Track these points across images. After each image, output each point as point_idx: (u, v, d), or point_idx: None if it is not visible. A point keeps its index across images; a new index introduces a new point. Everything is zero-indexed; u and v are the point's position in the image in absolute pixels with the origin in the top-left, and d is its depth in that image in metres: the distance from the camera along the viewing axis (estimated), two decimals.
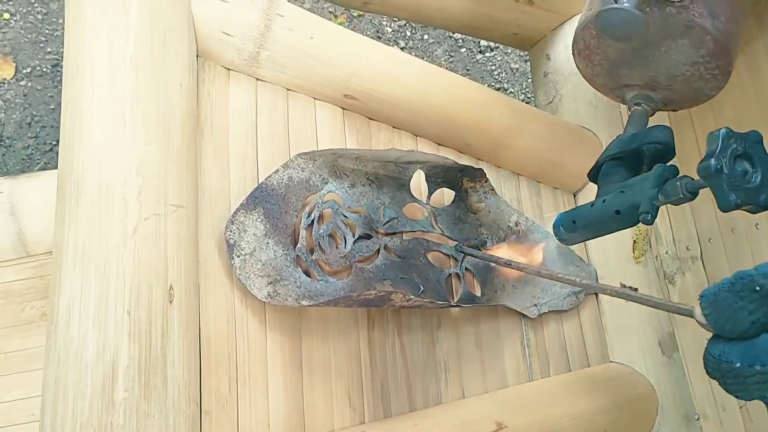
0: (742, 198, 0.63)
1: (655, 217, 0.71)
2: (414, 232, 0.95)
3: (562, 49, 1.27)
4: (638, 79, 0.85)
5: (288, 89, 0.91)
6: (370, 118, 0.99)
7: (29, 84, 1.86)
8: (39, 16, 1.93)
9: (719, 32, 0.77)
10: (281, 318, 0.80)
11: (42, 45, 1.91)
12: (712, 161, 0.63)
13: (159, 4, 0.75)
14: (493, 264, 0.99)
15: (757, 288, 0.48)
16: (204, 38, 0.82)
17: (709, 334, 0.55)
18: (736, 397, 0.52)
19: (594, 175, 0.86)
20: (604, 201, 0.78)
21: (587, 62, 0.89)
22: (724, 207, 0.63)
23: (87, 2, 0.72)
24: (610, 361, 1.13)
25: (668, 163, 0.73)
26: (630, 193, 0.75)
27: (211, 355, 0.73)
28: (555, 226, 0.86)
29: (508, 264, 0.90)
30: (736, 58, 0.81)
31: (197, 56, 0.83)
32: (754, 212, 0.65)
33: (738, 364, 0.50)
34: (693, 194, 0.69)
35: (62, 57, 1.90)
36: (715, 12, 0.77)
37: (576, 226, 0.83)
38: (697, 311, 0.54)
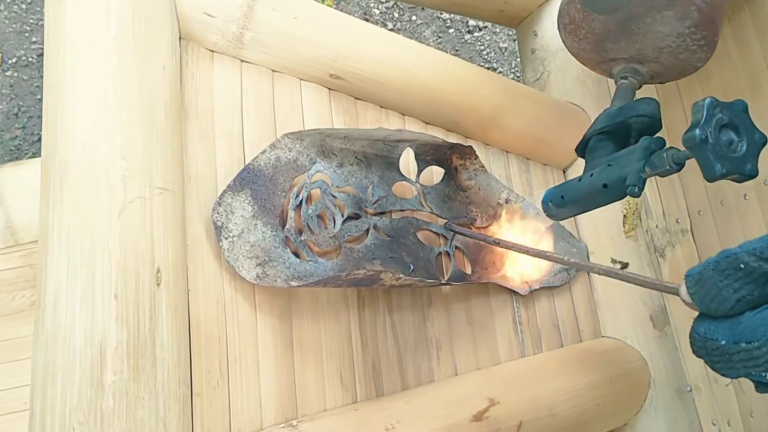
0: (727, 167, 0.63)
1: (642, 189, 0.71)
2: (403, 211, 0.95)
3: (549, 26, 1.27)
4: (624, 53, 0.85)
5: (273, 70, 0.90)
6: (356, 98, 0.99)
7: (15, 74, 1.85)
8: (23, 6, 1.91)
9: (704, 2, 0.77)
10: (271, 299, 0.80)
11: (27, 35, 1.89)
12: (697, 131, 0.63)
13: None
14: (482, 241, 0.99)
15: (742, 266, 0.48)
16: (186, 20, 0.82)
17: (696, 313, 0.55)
18: (722, 375, 0.53)
19: (581, 149, 0.85)
20: (591, 175, 0.78)
21: (573, 37, 0.88)
22: (710, 177, 0.63)
23: None
24: (603, 336, 1.13)
25: (655, 136, 0.74)
26: (617, 166, 0.75)
27: (200, 337, 0.73)
28: (544, 202, 0.86)
29: (497, 243, 0.90)
30: (721, 28, 0.81)
31: (180, 38, 0.82)
32: (740, 181, 0.65)
33: (723, 342, 0.50)
34: (679, 165, 0.69)
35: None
36: None
37: (565, 201, 0.83)
38: (683, 290, 0.54)
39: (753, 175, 0.65)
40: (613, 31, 0.83)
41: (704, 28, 0.79)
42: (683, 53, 0.82)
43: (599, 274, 0.74)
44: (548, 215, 0.86)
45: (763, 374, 0.49)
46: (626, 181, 0.71)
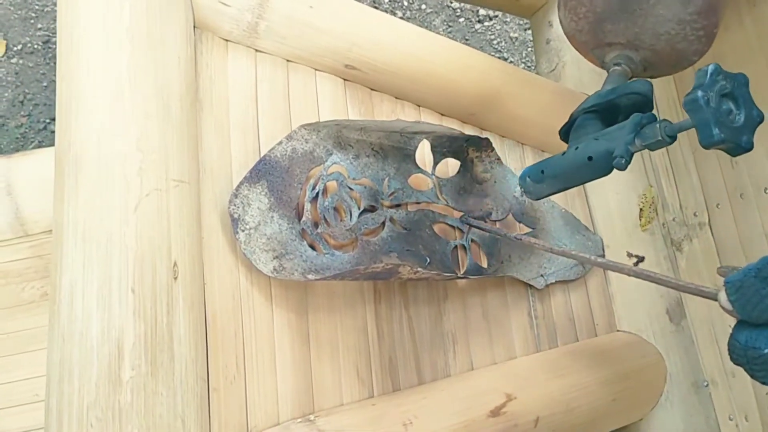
0: (725, 134, 0.62)
1: (629, 162, 0.69)
2: (419, 203, 0.94)
3: None
4: (622, 36, 0.82)
5: (288, 60, 0.89)
6: (372, 89, 0.97)
7: (20, 62, 1.83)
8: None
9: None
10: (287, 293, 0.79)
11: (32, 21, 1.87)
12: (700, 92, 0.62)
13: None
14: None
15: None
16: (201, 9, 0.80)
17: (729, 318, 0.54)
18: (764, 384, 0.52)
19: (566, 131, 0.83)
20: (576, 149, 0.76)
21: (573, 15, 0.85)
22: (707, 141, 0.62)
23: None
24: (618, 330, 1.12)
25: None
26: (604, 140, 0.73)
27: (217, 331, 0.72)
28: (521, 178, 0.83)
29: (519, 239, 0.88)
30: (721, 22, 0.79)
31: (194, 28, 0.81)
32: (733, 153, 0.64)
33: (766, 351, 0.49)
34: (671, 138, 0.67)
35: (53, 33, 1.87)
36: None
37: (544, 177, 0.80)
38: (722, 296, 0.53)
39: (748, 148, 0.64)
40: (615, 10, 0.80)
41: (706, 16, 0.77)
42: (681, 42, 0.80)
43: (628, 275, 0.71)
44: (525, 192, 0.84)
45: None
46: (613, 153, 0.70)
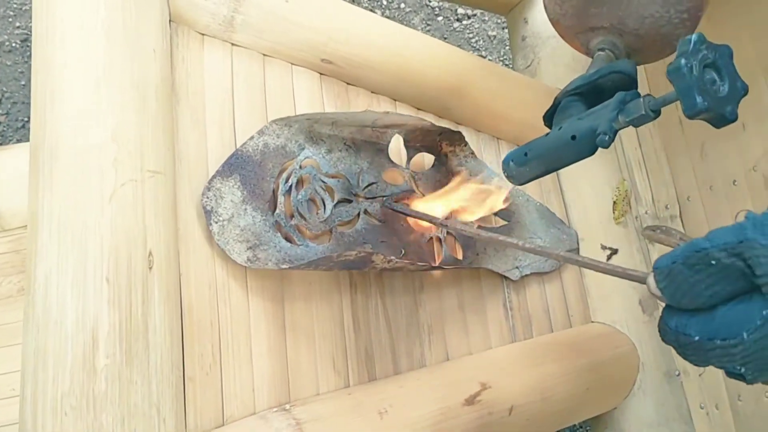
0: (709, 103, 0.61)
1: (613, 139, 0.69)
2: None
3: (539, 13, 1.27)
4: (606, 20, 0.82)
5: (264, 54, 0.90)
6: (348, 83, 0.98)
7: None
8: None
9: None
10: (263, 283, 0.80)
11: (10, 20, 1.87)
12: (683, 60, 0.62)
13: None
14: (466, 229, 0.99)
15: (713, 262, 0.46)
16: (176, 3, 0.81)
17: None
18: (694, 365, 0.51)
19: (550, 115, 0.82)
20: (560, 129, 0.75)
21: None
22: (690, 111, 0.62)
23: None
24: (592, 322, 1.14)
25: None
26: (588, 119, 0.72)
27: (193, 321, 0.73)
28: (504, 162, 0.82)
29: (478, 234, 0.84)
30: (706, 5, 0.80)
31: (170, 21, 0.81)
32: (717, 125, 0.64)
33: (697, 338, 0.48)
34: (655, 113, 0.67)
35: (31, 31, 1.86)
36: None
37: (528, 159, 0.79)
38: (651, 282, 0.52)
39: (732, 119, 0.63)
40: None
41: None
42: (665, 26, 0.80)
43: (559, 260, 0.71)
44: (507, 176, 0.82)
45: (738, 368, 0.48)
46: (597, 131, 0.69)
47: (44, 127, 0.67)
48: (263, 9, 0.86)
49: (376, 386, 0.84)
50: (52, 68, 0.69)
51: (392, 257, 0.81)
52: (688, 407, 1.08)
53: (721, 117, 0.63)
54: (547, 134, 0.77)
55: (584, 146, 0.72)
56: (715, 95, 0.63)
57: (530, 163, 0.79)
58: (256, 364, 0.77)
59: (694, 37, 0.63)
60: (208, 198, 0.76)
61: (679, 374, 1.10)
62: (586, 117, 0.72)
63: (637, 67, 0.77)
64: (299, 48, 0.90)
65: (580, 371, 1.01)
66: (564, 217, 1.17)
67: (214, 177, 0.77)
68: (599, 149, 0.71)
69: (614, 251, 1.13)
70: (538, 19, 1.27)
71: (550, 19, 0.89)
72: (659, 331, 0.53)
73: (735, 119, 0.64)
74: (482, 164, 1.03)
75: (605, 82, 0.77)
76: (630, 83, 0.76)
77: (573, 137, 0.72)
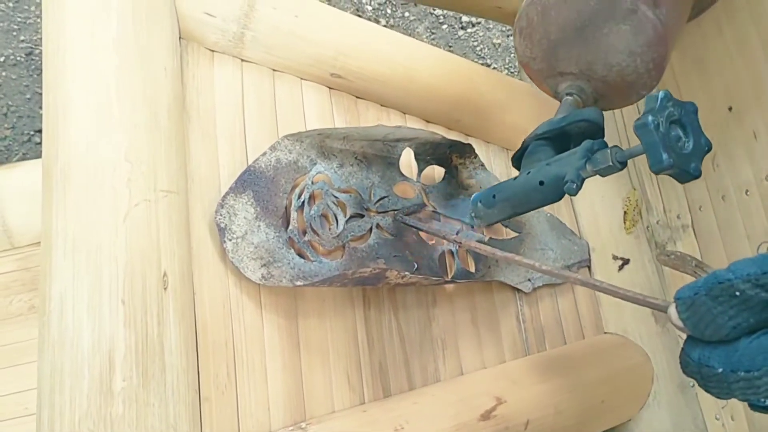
0: (674, 159, 0.63)
1: (580, 188, 0.71)
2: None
3: None
4: (574, 66, 0.83)
5: (274, 70, 0.90)
6: (357, 97, 0.98)
7: (3, 73, 1.82)
8: (10, 4, 1.88)
9: (660, 22, 0.76)
10: (277, 300, 0.80)
11: (15, 33, 1.86)
12: (650, 117, 0.63)
13: None
14: (485, 239, 0.99)
15: (737, 293, 0.46)
16: (186, 19, 0.81)
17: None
18: (717, 398, 0.51)
19: (518, 158, 0.84)
20: (528, 173, 0.77)
21: (527, 42, 0.86)
22: (657, 167, 0.63)
23: None
24: (605, 333, 1.13)
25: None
26: (556, 165, 0.74)
27: (207, 340, 0.72)
28: (473, 203, 0.85)
29: (494, 254, 0.82)
30: (670, 55, 0.80)
31: (180, 38, 0.81)
32: (681, 180, 0.66)
33: (720, 370, 0.48)
34: (622, 164, 0.69)
35: (36, 45, 1.86)
36: (659, 1, 0.76)
37: (495, 201, 0.81)
38: (673, 312, 0.51)
39: (696, 175, 0.65)
40: (569, 38, 0.81)
41: (656, 47, 0.77)
42: (631, 75, 0.80)
43: (577, 284, 0.72)
44: (475, 217, 0.85)
45: (763, 400, 0.47)
46: (564, 178, 0.71)
47: (56, 146, 0.67)
48: (272, 25, 0.86)
49: (391, 402, 0.83)
50: (63, 86, 0.69)
51: (406, 272, 0.80)
52: (703, 419, 1.08)
53: (685, 173, 0.65)
54: (516, 178, 0.79)
55: (551, 192, 0.75)
56: (680, 152, 0.65)
57: (498, 205, 0.81)
58: (271, 382, 0.76)
59: (661, 94, 0.64)
60: (221, 215, 0.76)
61: (693, 385, 1.09)
62: (554, 163, 0.74)
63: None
64: (308, 63, 0.90)
65: (594, 383, 1.00)
66: (575, 228, 1.16)
67: (227, 194, 0.77)
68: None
69: (626, 261, 1.13)
70: None
71: (520, 62, 0.89)
72: (681, 363, 0.53)
73: (698, 175, 0.66)
74: (492, 176, 1.03)
75: (573, 129, 0.78)
76: (596, 131, 0.77)
77: (541, 183, 0.75)
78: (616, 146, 0.70)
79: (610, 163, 0.68)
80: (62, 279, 0.63)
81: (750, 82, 0.96)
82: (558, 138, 0.80)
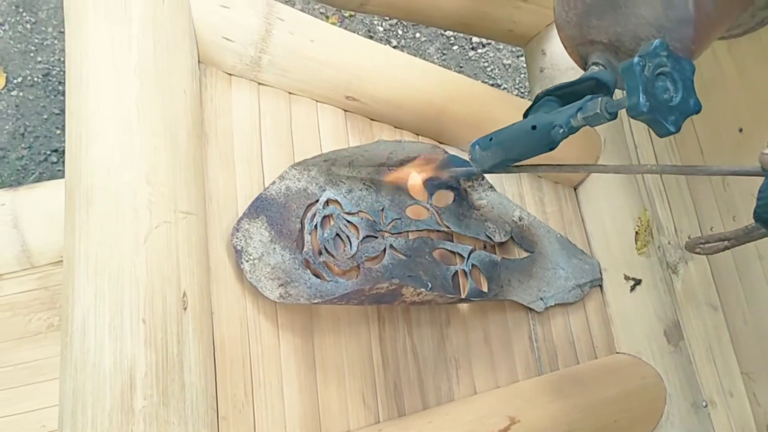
0: (652, 104, 0.62)
1: (568, 133, 0.71)
2: (420, 231, 0.95)
3: (557, 44, 1.28)
4: (604, 35, 0.82)
5: (290, 93, 0.91)
6: (372, 119, 0.99)
7: (21, 94, 1.85)
8: (28, 26, 1.92)
9: (694, 2, 0.74)
10: (293, 319, 0.81)
11: (32, 54, 1.90)
12: (637, 58, 0.62)
13: (160, 12, 0.76)
14: (498, 259, 1.00)
15: None
16: (205, 44, 0.83)
17: None
18: None
19: (528, 110, 0.84)
20: (526, 118, 0.78)
21: (564, 4, 0.86)
22: (633, 110, 0.63)
23: (88, 12, 0.72)
24: (617, 352, 1.13)
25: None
26: (552, 114, 0.74)
27: (225, 359, 0.73)
28: (471, 146, 0.85)
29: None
30: (703, 44, 0.80)
31: (199, 62, 0.83)
32: (658, 132, 0.64)
33: None
34: (612, 114, 0.68)
35: (53, 66, 1.89)
36: None
37: (491, 144, 0.82)
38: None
39: (673, 130, 0.64)
40: (602, 4, 0.81)
41: (686, 29, 0.76)
42: None
43: (663, 173, 0.71)
44: (472, 160, 0.85)
45: None
46: (554, 123, 0.71)
47: (79, 169, 0.69)
48: (289, 49, 0.87)
49: (405, 422, 0.84)
50: (85, 112, 0.70)
51: (421, 290, 0.81)
52: None
53: (662, 125, 0.63)
54: (515, 123, 0.79)
55: (541, 137, 0.75)
56: (663, 102, 0.63)
57: (492, 148, 0.82)
58: (288, 401, 0.77)
59: (656, 42, 0.64)
60: (237, 238, 0.77)
61: (706, 405, 1.09)
62: (552, 113, 0.75)
63: None
64: (324, 85, 0.92)
65: (607, 403, 1.01)
66: (586, 248, 1.17)
67: (241, 219, 0.78)
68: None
69: (638, 282, 1.13)
70: (557, 51, 1.28)
71: (557, 24, 0.90)
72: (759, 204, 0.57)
73: (676, 131, 0.64)
74: (502, 196, 1.04)
75: (583, 88, 0.78)
76: (605, 92, 0.77)
77: (533, 127, 0.75)
78: (608, 97, 0.69)
79: (598, 111, 0.68)
80: (85, 301, 0.64)
81: (760, 103, 0.97)
82: (568, 95, 0.79)
